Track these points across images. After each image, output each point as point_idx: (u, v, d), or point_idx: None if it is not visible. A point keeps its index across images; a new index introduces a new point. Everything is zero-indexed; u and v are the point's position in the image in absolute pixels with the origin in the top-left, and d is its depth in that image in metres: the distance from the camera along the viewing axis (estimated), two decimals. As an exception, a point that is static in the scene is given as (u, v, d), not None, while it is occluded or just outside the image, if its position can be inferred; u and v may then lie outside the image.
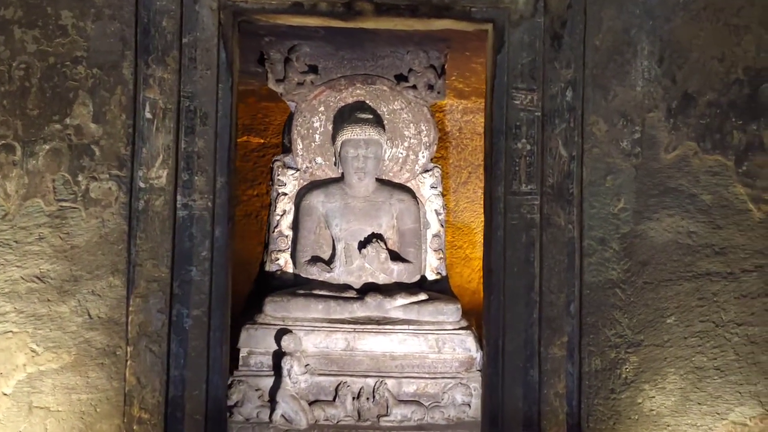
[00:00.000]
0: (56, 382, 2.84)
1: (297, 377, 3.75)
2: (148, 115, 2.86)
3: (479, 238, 5.20)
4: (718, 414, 2.83)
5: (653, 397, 2.82)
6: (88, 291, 2.85)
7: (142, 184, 2.87)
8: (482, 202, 5.05)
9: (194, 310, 2.91)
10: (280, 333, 3.84)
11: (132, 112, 2.86)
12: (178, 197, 2.91)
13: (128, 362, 2.84)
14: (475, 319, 4.27)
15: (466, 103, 5.17)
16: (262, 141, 5.16)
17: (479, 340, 4.00)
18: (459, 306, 4.06)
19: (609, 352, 2.83)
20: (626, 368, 2.83)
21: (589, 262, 2.85)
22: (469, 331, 3.99)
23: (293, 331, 3.81)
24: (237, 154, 3.06)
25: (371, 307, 3.93)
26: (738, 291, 2.84)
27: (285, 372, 3.74)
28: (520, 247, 2.94)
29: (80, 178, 2.85)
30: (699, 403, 2.83)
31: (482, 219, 5.11)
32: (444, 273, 4.42)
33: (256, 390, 3.79)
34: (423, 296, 4.01)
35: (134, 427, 2.86)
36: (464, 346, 3.93)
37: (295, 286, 4.14)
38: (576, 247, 2.87)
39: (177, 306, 2.90)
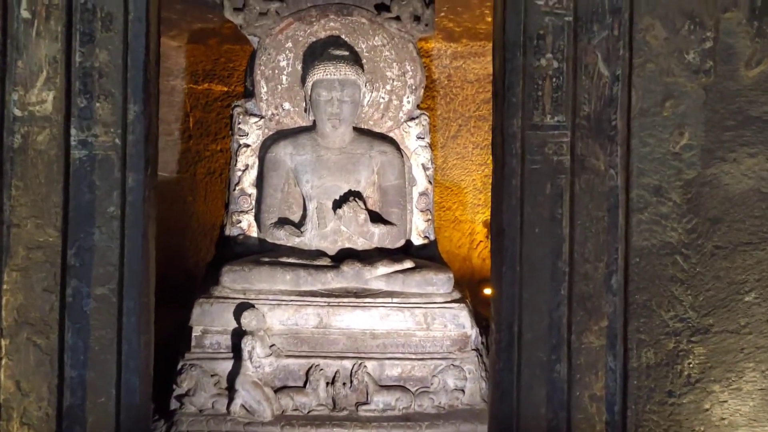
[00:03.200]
0: None
1: (260, 360, 3.22)
2: (25, 14, 1.96)
3: (470, 198, 4.39)
4: (811, 423, 1.96)
5: (725, 401, 2.06)
6: (-59, 262, 1.90)
7: (17, 112, 1.97)
8: (473, 158, 4.26)
9: (98, 288, 2.01)
10: (241, 308, 3.27)
11: (1, 10, 1.94)
12: (72, 131, 2.02)
13: (2, 361, 1.96)
14: (469, 291, 3.49)
15: (455, 46, 4.37)
16: (225, 89, 4.39)
17: (474, 315, 3.22)
18: (451, 275, 3.36)
19: (666, 342, 2.05)
20: (689, 363, 2.06)
21: (639, 220, 2.05)
22: (462, 305, 3.31)
23: (256, 306, 3.27)
24: (158, 74, 2.10)
25: (348, 276, 3.34)
26: (841, 258, 1.96)
27: (246, 354, 3.20)
28: (543, 200, 2.12)
29: (-76, 101, 1.89)
30: (786, 409, 1.96)
31: (473, 177, 4.36)
32: (432, 237, 3.72)
33: (212, 376, 3.23)
34: (409, 264, 3.40)
35: (16, 449, 1.91)
36: (457, 322, 3.31)
37: (260, 252, 3.58)
38: (621, 200, 2.05)
39: (73, 282, 2.01)
